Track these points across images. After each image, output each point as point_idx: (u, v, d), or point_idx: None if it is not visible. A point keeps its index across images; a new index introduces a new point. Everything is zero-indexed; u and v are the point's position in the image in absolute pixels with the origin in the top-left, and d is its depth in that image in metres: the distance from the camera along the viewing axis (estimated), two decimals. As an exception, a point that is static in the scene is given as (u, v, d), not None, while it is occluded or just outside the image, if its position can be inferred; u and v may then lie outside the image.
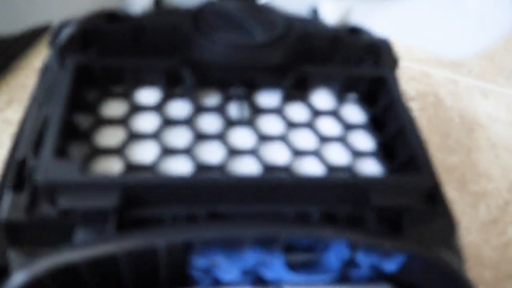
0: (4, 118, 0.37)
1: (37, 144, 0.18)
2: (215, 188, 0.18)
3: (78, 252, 0.16)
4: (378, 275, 0.20)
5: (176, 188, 0.18)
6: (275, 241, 0.17)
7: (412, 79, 0.48)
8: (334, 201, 0.19)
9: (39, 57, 0.41)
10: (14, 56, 0.40)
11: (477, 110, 0.47)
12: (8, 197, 0.18)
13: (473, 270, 0.36)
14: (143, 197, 0.18)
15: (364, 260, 0.19)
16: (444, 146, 0.43)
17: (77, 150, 0.19)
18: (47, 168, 0.17)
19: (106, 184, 0.17)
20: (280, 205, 0.19)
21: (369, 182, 0.19)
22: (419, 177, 0.20)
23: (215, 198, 0.18)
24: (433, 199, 0.20)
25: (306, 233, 0.17)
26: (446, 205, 0.21)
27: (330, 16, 0.24)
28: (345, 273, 0.19)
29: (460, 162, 0.42)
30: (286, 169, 0.20)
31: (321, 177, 0.19)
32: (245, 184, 0.18)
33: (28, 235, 0.17)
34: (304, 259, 0.19)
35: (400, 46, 0.52)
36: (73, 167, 0.17)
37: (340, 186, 0.19)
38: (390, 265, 0.19)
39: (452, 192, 0.40)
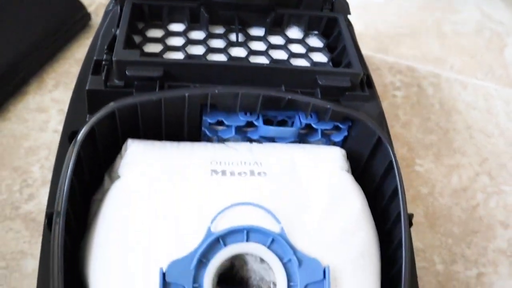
0: (53, 98, 0.47)
1: (111, 46, 0.30)
2: (219, 69, 0.31)
3: (136, 98, 0.28)
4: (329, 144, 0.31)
5: (196, 68, 0.30)
6: (257, 104, 0.29)
7: (398, 73, 0.57)
8: (295, 83, 0.31)
9: (79, 49, 0.51)
10: (59, 48, 0.50)
11: (456, 99, 0.55)
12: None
13: (444, 226, 0.43)
14: (175, 73, 0.30)
15: (319, 126, 0.28)
16: (424, 127, 0.51)
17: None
18: (119, 53, 0.29)
19: (154, 62, 0.30)
20: (261, 84, 0.31)
21: (318, 70, 0.32)
22: (353, 69, 0.32)
23: (219, 78, 0.31)
24: (364, 87, 0.32)
25: (278, 94, 0.29)
26: (375, 92, 0.33)
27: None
28: (304, 139, 0.28)
29: (438, 140, 0.50)
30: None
31: (288, 65, 0.33)
32: (240, 67, 0.31)
33: (103, 102, 0.28)
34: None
35: (389, 44, 0.61)
36: (135, 53, 0.30)
37: (298, 71, 0.32)
38: (337, 137, 0.29)
39: (428, 164, 0.48)
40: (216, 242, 0.24)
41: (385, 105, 0.52)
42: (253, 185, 0.27)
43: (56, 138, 0.44)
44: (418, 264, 0.40)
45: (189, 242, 0.24)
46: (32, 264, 0.37)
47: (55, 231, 0.24)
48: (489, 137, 0.51)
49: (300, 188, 0.27)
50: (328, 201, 0.27)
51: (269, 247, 0.24)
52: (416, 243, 0.42)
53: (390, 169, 0.29)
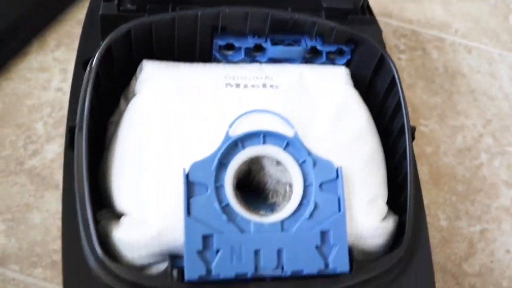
0: (54, 57, 0.46)
1: None
2: None
3: (150, 17, 0.29)
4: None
5: None
6: (265, 26, 0.30)
7: (403, 37, 0.56)
8: (300, 5, 0.32)
9: (80, 10, 0.51)
10: (61, 10, 0.50)
11: (461, 63, 0.55)
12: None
13: (448, 184, 0.44)
14: None
15: (324, 48, 0.29)
16: (428, 90, 0.51)
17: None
18: None
19: None
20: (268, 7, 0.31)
21: None
22: None
23: (229, 1, 0.31)
24: (365, 11, 0.35)
25: (286, 14, 0.30)
26: (374, 17, 0.35)
27: None
28: (310, 61, 0.29)
29: (442, 102, 0.50)
30: None
31: None
32: None
33: (116, 27, 0.28)
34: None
35: (394, 9, 0.61)
36: None
37: None
38: (341, 60, 0.30)
39: (433, 125, 0.48)
40: (234, 145, 0.25)
41: (389, 68, 0.53)
42: (266, 95, 0.28)
43: (59, 96, 0.44)
44: (423, 220, 0.41)
45: (209, 147, 0.25)
46: (37, 217, 0.37)
47: (78, 143, 0.25)
48: (492, 100, 0.52)
49: (309, 100, 0.29)
50: (336, 112, 0.29)
51: (284, 149, 0.26)
52: (420, 200, 0.42)
53: (393, 85, 0.31)
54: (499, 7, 0.64)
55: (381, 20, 0.57)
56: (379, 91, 0.33)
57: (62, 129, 0.41)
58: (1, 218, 0.37)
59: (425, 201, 0.42)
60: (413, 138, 0.30)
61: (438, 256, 0.40)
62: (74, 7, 0.51)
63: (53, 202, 0.38)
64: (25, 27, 0.46)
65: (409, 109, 0.49)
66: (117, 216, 0.27)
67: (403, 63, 0.53)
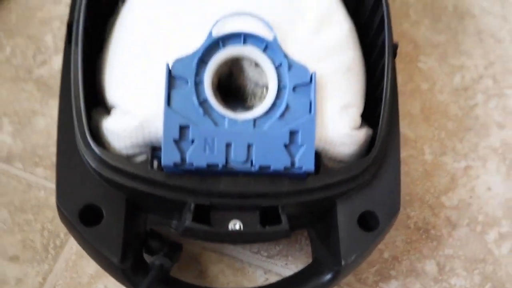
0: None
1: None
2: None
3: None
4: None
5: None
6: None
7: (415, -28, 0.57)
8: None
9: None
10: None
11: (472, 3, 0.55)
12: None
13: (439, 121, 0.46)
14: None
15: None
16: (433, 28, 0.52)
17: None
18: None
19: None
20: None
21: None
22: None
23: None
24: None
25: None
26: None
27: None
28: None
29: (446, 41, 0.51)
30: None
31: None
32: None
33: None
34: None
35: None
36: None
37: None
38: None
39: (432, 62, 0.49)
40: (216, 44, 0.28)
41: (397, 2, 0.54)
42: None
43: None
44: (407, 152, 0.44)
45: (192, 45, 0.28)
46: (42, 122, 0.42)
47: (76, 39, 0.28)
48: (499, 42, 0.53)
49: (293, 5, 0.31)
50: (318, 20, 0.31)
51: (263, 52, 0.29)
52: (407, 133, 0.45)
53: (378, 2, 0.33)
54: None
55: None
56: (366, 8, 0.35)
57: (65, 40, 0.45)
58: (8, 120, 0.41)
59: (413, 135, 0.45)
60: (394, 55, 0.32)
61: (418, 188, 0.43)
62: None
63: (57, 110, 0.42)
64: None
65: (411, 46, 0.51)
66: (108, 111, 0.31)
67: (411, 0, 0.54)
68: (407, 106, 0.46)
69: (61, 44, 0.45)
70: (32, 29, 0.46)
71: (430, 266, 0.39)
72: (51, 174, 0.39)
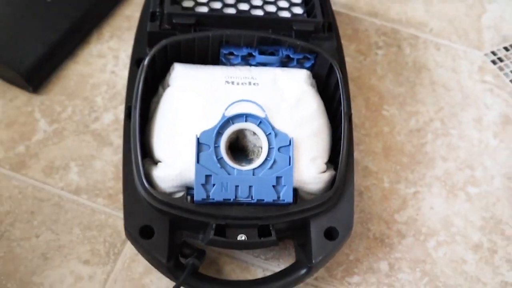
0: (109, 46, 0.65)
1: (161, 2, 0.49)
2: (231, 18, 0.50)
3: (180, 36, 0.48)
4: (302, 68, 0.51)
5: (216, 18, 0.50)
6: (254, 42, 0.49)
7: (383, 34, 0.72)
8: (279, 27, 0.50)
9: (127, 7, 0.69)
10: (113, 7, 0.68)
11: (428, 58, 0.71)
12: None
13: (396, 157, 0.61)
14: (203, 22, 0.49)
15: (295, 56, 0.48)
16: (396, 81, 0.68)
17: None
18: (168, 7, 0.48)
19: (190, 14, 0.49)
20: (257, 28, 0.49)
21: (292, 19, 0.51)
22: (316, 18, 0.50)
23: (231, 24, 0.49)
24: (325, 31, 0.51)
25: (266, 35, 0.49)
26: (333, 34, 0.52)
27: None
28: (285, 65, 0.48)
29: (405, 92, 0.67)
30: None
31: (274, 16, 0.52)
32: (244, 17, 0.50)
33: (158, 39, 0.47)
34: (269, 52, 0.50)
35: (380, 9, 0.76)
36: (178, 7, 0.49)
37: (280, 20, 0.51)
38: (307, 64, 0.49)
39: (393, 110, 0.65)
40: (227, 122, 0.44)
41: (367, 61, 0.69)
42: (250, 90, 0.47)
43: (113, 77, 0.63)
44: (370, 181, 0.59)
45: (212, 122, 0.44)
46: (99, 164, 0.57)
47: (134, 117, 0.45)
48: (448, 90, 0.68)
49: (278, 93, 0.47)
50: (295, 101, 0.47)
51: (258, 125, 0.44)
52: (371, 167, 0.60)
53: (337, 84, 0.49)
54: (475, 7, 0.78)
55: (367, 19, 0.74)
56: (331, 86, 0.50)
57: (115, 103, 0.60)
58: (75, 163, 0.57)
59: (375, 169, 0.60)
60: (350, 120, 0.48)
61: (377, 208, 0.58)
62: (123, 4, 0.69)
63: (109, 155, 0.57)
64: (87, 22, 0.65)
65: (376, 97, 0.66)
66: (155, 162, 0.47)
67: (379, 58, 0.70)
68: (372, 146, 0.62)
69: (109, 104, 0.60)
70: (86, 92, 0.61)
71: (383, 266, 0.54)
72: (108, 202, 0.55)
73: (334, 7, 0.71)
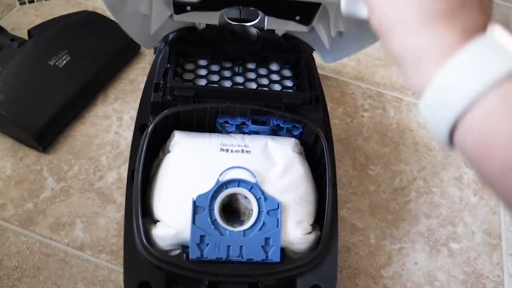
0: (113, 108, 0.71)
1: (164, 74, 0.54)
2: (227, 91, 0.55)
3: (180, 108, 0.53)
4: (291, 136, 0.56)
5: (213, 91, 0.55)
6: (248, 113, 0.54)
7: (369, 97, 0.79)
8: (270, 100, 0.55)
9: (132, 72, 0.76)
10: (118, 71, 0.75)
11: (411, 120, 0.77)
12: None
13: (381, 214, 0.66)
14: (202, 94, 0.54)
15: (285, 125, 0.53)
16: (380, 142, 0.73)
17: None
18: (171, 81, 0.53)
19: (190, 87, 0.54)
20: (250, 100, 0.54)
21: (283, 92, 0.56)
22: (304, 93, 0.55)
23: (227, 96, 0.54)
24: (312, 103, 0.55)
25: (259, 107, 0.54)
26: (323, 105, 0.57)
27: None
28: (276, 133, 0.54)
29: (389, 152, 0.72)
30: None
31: (266, 90, 0.57)
32: (239, 90, 0.55)
33: (161, 109, 0.53)
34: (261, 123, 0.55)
35: (366, 74, 0.83)
36: (179, 80, 0.55)
37: (272, 93, 0.56)
38: (296, 132, 0.54)
39: (379, 170, 0.70)
40: (221, 186, 0.49)
41: (354, 123, 0.75)
42: (242, 157, 0.52)
43: (117, 138, 0.68)
44: (357, 238, 0.63)
45: (208, 186, 0.49)
46: (103, 221, 0.61)
47: (136, 180, 0.50)
48: (430, 150, 0.73)
49: (268, 160, 0.52)
50: (283, 167, 0.52)
51: (249, 190, 0.49)
52: (358, 224, 0.64)
53: (323, 153, 0.54)
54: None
55: (354, 83, 0.80)
56: (316, 154, 0.55)
57: (119, 162, 0.66)
58: (80, 220, 0.61)
59: (362, 225, 0.65)
60: (334, 186, 0.53)
61: (364, 263, 0.62)
62: (127, 69, 0.76)
63: (112, 212, 0.62)
64: (94, 85, 0.71)
65: (362, 157, 0.71)
66: (154, 221, 0.51)
67: (365, 120, 0.76)
68: (358, 204, 0.66)
69: (112, 163, 0.66)
70: (91, 152, 0.67)
71: (369, 321, 0.57)
72: (111, 258, 0.59)
73: (323, 72, 0.79)
